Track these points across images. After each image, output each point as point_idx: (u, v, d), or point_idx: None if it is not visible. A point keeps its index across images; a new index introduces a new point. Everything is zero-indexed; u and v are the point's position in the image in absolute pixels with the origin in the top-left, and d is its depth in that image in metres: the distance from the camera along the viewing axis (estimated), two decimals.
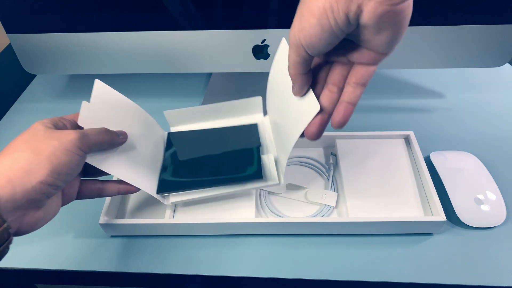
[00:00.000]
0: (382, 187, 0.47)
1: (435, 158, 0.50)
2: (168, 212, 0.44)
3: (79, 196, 0.36)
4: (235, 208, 0.45)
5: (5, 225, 0.25)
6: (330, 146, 0.54)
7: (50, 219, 0.32)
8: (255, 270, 0.41)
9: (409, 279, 0.40)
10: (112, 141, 0.35)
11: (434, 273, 0.41)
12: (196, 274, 0.41)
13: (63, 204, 0.34)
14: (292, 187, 0.48)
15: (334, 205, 0.46)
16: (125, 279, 0.43)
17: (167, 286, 0.44)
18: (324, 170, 0.50)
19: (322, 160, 0.52)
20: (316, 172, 0.51)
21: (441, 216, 0.42)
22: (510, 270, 0.41)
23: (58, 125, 0.32)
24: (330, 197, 0.46)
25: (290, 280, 0.41)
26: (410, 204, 0.45)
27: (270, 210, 0.45)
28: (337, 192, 0.47)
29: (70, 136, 0.30)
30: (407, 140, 0.53)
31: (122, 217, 0.46)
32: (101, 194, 0.38)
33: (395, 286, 0.40)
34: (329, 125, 0.59)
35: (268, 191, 0.48)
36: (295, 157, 0.52)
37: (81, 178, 0.37)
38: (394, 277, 0.40)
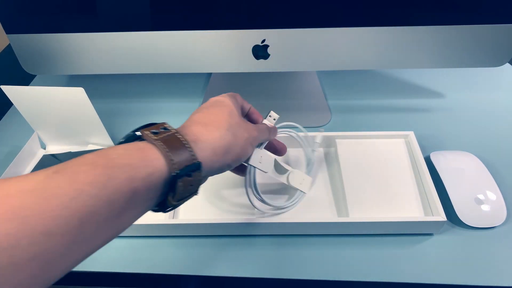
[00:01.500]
0: (382, 187, 0.47)
1: (435, 158, 0.50)
2: (168, 212, 0.44)
3: None
4: (235, 208, 0.45)
5: (198, 191, 0.30)
6: (330, 146, 0.54)
7: None
8: (255, 270, 0.41)
9: (409, 279, 0.40)
10: (269, 139, 0.41)
11: (434, 273, 0.40)
12: (196, 274, 0.41)
13: None
14: (278, 167, 0.46)
15: (307, 191, 0.46)
16: (125, 279, 0.42)
17: (167, 286, 0.44)
18: (308, 148, 0.49)
19: (322, 160, 0.52)
20: (302, 148, 0.50)
21: (441, 216, 0.42)
22: (510, 270, 0.40)
23: (243, 110, 0.39)
24: (306, 183, 0.46)
25: (290, 280, 0.41)
26: (410, 204, 0.45)
27: (256, 194, 0.42)
28: (339, 188, 0.47)
29: (254, 133, 0.36)
30: (407, 140, 0.53)
31: None
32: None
33: (395, 286, 0.40)
34: (329, 124, 0.59)
35: (256, 169, 0.42)
36: (285, 127, 0.47)
37: None
38: (394, 277, 0.40)
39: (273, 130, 0.41)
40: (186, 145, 0.28)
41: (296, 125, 0.47)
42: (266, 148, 0.41)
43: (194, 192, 0.29)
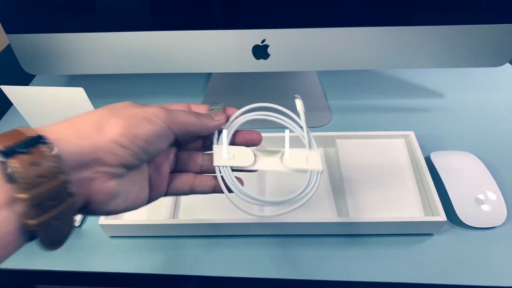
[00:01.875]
0: (382, 187, 0.47)
1: (435, 158, 0.50)
2: (168, 212, 0.44)
3: (170, 191, 0.32)
4: (235, 208, 0.45)
5: (62, 177, 0.21)
6: (330, 146, 0.54)
7: (133, 207, 0.28)
8: (255, 270, 0.41)
9: (409, 279, 0.40)
10: (203, 124, 0.31)
11: (434, 273, 0.40)
12: (196, 275, 0.41)
13: (152, 196, 0.30)
14: (264, 154, 0.34)
15: (320, 168, 0.32)
16: (125, 280, 0.43)
17: (167, 286, 0.44)
18: (295, 125, 0.36)
19: (322, 160, 0.52)
20: (283, 128, 0.36)
21: (441, 216, 0.42)
22: (510, 270, 0.40)
23: (173, 115, 0.30)
24: (313, 159, 0.33)
25: (290, 280, 0.41)
26: (410, 204, 0.45)
27: (245, 197, 0.32)
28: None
29: (153, 108, 0.28)
30: (407, 140, 0.53)
31: (122, 217, 0.46)
32: (193, 190, 0.33)
33: (395, 286, 0.40)
34: (329, 124, 0.59)
35: (229, 168, 0.32)
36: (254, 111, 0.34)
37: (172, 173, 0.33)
38: (394, 277, 0.40)
39: (212, 114, 0.32)
40: (20, 129, 0.21)
41: (268, 105, 0.34)
42: (237, 144, 0.33)
43: (51, 176, 0.21)
